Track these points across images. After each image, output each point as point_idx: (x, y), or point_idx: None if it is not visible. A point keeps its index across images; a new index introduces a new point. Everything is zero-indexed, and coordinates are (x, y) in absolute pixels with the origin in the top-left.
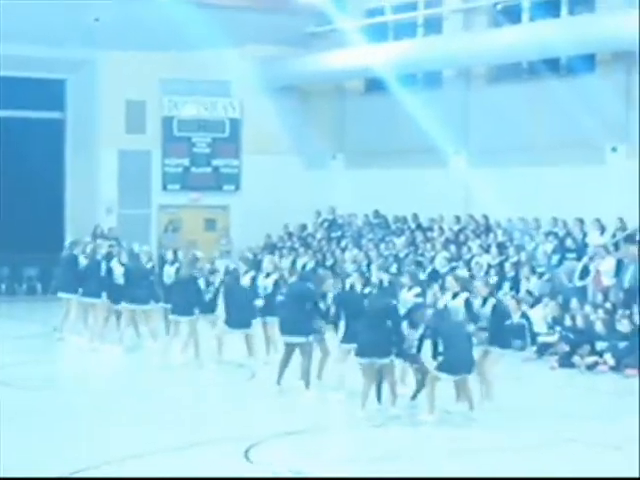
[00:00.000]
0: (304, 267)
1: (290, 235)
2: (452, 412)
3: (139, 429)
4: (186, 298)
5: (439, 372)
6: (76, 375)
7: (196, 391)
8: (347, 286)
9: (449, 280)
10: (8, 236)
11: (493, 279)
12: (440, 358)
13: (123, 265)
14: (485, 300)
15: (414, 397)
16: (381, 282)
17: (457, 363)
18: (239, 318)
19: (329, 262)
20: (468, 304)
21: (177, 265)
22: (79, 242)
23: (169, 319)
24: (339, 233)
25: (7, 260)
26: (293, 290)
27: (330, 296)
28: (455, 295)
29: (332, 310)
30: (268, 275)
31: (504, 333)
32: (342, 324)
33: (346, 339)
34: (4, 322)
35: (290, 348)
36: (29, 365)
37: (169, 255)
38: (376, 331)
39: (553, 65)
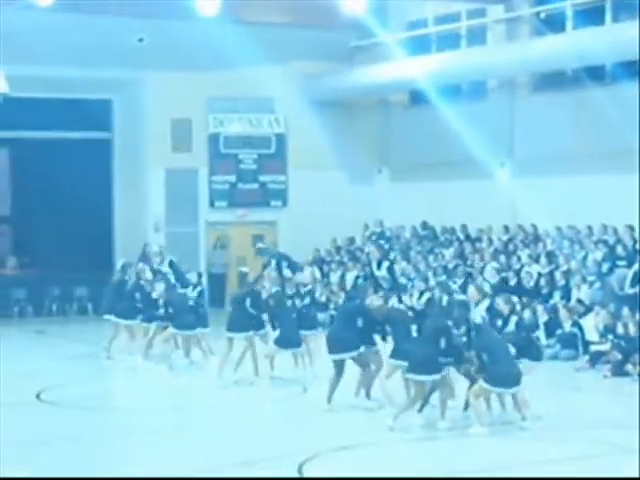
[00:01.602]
0: (356, 279)
1: (338, 249)
2: (497, 423)
3: (191, 447)
4: (241, 315)
5: (491, 386)
6: (127, 394)
7: (249, 408)
8: (397, 303)
9: (470, 289)
10: (58, 256)
11: (544, 288)
12: (489, 372)
13: (164, 294)
14: (507, 319)
15: (466, 408)
16: (440, 300)
17: (507, 376)
18: (289, 337)
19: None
20: (491, 311)
21: (200, 288)
22: (130, 265)
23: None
24: (387, 246)
25: (58, 280)
26: (342, 309)
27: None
28: (477, 304)
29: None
30: (303, 287)
31: (532, 346)
32: (390, 339)
33: (395, 355)
34: (55, 342)
35: (340, 366)
36: (80, 385)
37: (194, 278)
38: (430, 348)
39: (597, 73)
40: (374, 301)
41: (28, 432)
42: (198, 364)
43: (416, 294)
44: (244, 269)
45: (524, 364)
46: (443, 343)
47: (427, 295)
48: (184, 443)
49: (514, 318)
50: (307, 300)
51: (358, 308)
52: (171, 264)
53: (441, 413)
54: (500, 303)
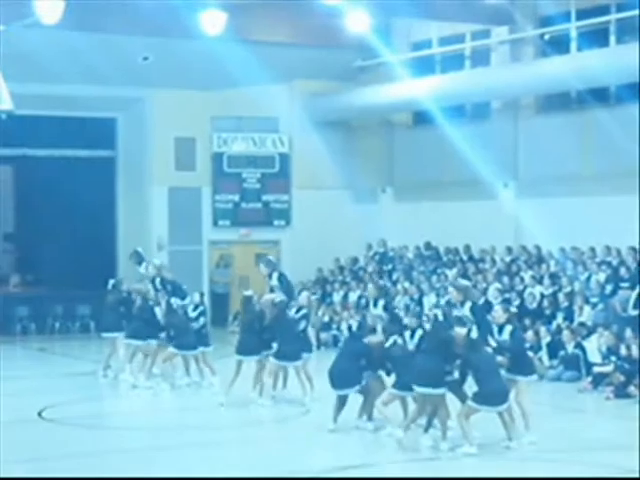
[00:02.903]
0: (358, 300)
1: (341, 269)
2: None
3: (194, 466)
4: (251, 338)
5: (477, 405)
6: (128, 413)
7: (251, 427)
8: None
9: (450, 291)
10: (62, 274)
11: (547, 310)
12: (475, 390)
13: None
14: (502, 327)
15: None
16: (436, 316)
17: (494, 394)
18: (288, 351)
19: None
20: (474, 310)
21: (201, 308)
22: (122, 282)
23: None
24: (390, 266)
25: (60, 298)
26: (347, 349)
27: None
28: (462, 304)
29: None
30: (299, 310)
31: (525, 360)
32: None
33: (398, 386)
34: (57, 360)
35: (343, 398)
36: (82, 403)
37: (196, 298)
38: (433, 361)
39: (601, 95)
40: (372, 339)
41: (30, 450)
42: (199, 383)
43: (408, 333)
44: (248, 293)
45: (520, 380)
46: (446, 355)
47: (420, 332)
48: (184, 462)
49: (509, 327)
50: (302, 324)
51: (362, 349)
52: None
53: (442, 433)
54: (498, 311)
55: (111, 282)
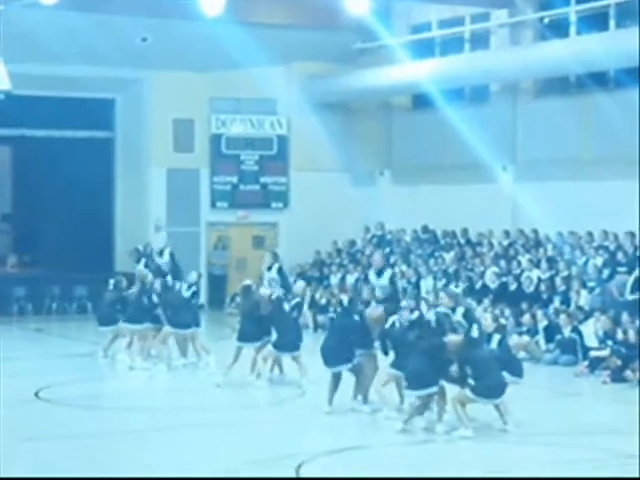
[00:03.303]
0: (356, 282)
1: (339, 251)
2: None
3: (189, 447)
4: (251, 325)
5: (476, 397)
6: (125, 393)
7: (247, 409)
8: (394, 323)
9: (441, 297)
10: (59, 255)
11: (544, 294)
12: (474, 384)
13: (160, 294)
14: (490, 336)
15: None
16: (429, 322)
17: (493, 388)
18: (288, 341)
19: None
20: (466, 316)
21: (194, 289)
22: (121, 281)
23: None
24: (388, 249)
25: (58, 279)
26: (337, 324)
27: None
28: (453, 310)
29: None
30: (293, 299)
31: (514, 363)
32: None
33: (395, 365)
34: (55, 341)
35: (336, 375)
36: (79, 384)
37: (193, 277)
38: (424, 363)
39: (600, 79)
40: (375, 311)
41: (27, 430)
42: (195, 364)
43: (407, 313)
44: (247, 282)
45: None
46: (438, 359)
47: (416, 314)
48: (182, 443)
49: (497, 337)
50: (294, 313)
51: (352, 324)
52: (172, 256)
53: (439, 416)
54: (487, 321)
55: (111, 282)
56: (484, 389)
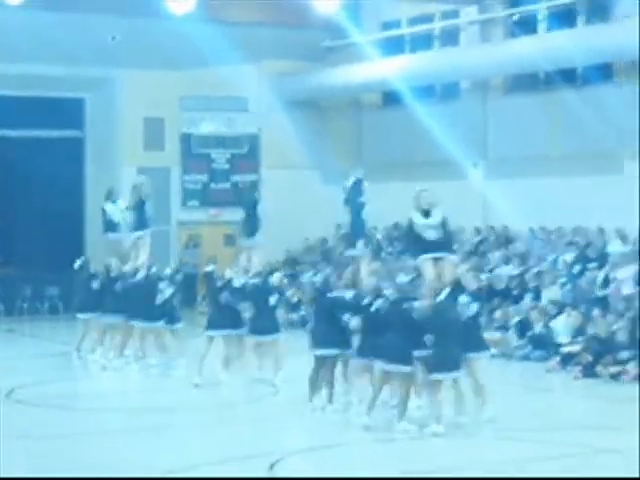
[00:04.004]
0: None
1: (310, 249)
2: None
3: (162, 447)
4: (219, 311)
5: (435, 374)
6: (97, 393)
7: (220, 408)
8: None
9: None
10: (29, 255)
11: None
12: (429, 358)
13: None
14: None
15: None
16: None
17: (447, 360)
18: (264, 325)
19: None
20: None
21: (172, 289)
22: (89, 261)
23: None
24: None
25: (28, 279)
26: (317, 308)
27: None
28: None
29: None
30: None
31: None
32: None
33: (362, 352)
34: (26, 341)
35: (320, 362)
36: (50, 384)
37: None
38: (400, 338)
39: (569, 75)
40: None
41: None
42: (169, 364)
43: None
44: (209, 268)
45: (470, 358)
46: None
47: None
48: (155, 442)
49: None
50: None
51: (332, 302)
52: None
53: (400, 414)
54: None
55: (77, 262)
56: (439, 362)
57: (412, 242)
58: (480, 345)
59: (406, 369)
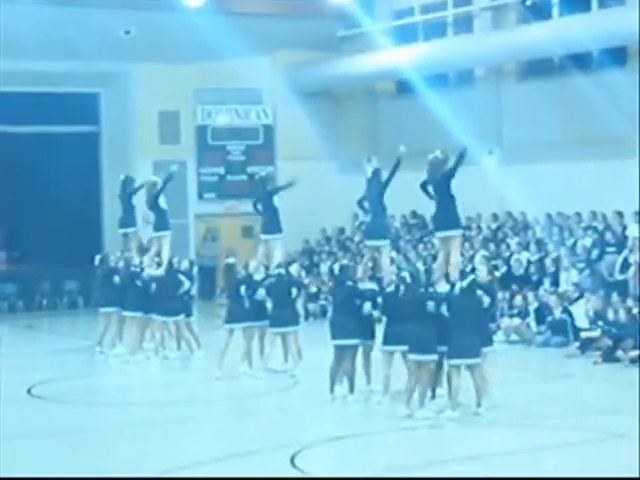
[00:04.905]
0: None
1: (328, 239)
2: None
3: (185, 440)
4: (239, 305)
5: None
6: (118, 388)
7: (242, 399)
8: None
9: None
10: (48, 251)
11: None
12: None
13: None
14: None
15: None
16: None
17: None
18: (282, 317)
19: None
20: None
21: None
22: (109, 255)
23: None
24: None
25: (47, 275)
26: (336, 298)
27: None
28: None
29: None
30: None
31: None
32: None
33: (388, 341)
34: (45, 337)
35: (341, 352)
36: (71, 380)
37: (185, 265)
38: (422, 328)
39: (584, 60)
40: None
41: (19, 427)
42: (189, 357)
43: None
44: (230, 260)
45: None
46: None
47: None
48: (177, 436)
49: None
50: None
51: (351, 291)
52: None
53: (416, 400)
54: (482, 271)
55: (97, 257)
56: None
57: None
58: (488, 339)
59: (431, 358)
